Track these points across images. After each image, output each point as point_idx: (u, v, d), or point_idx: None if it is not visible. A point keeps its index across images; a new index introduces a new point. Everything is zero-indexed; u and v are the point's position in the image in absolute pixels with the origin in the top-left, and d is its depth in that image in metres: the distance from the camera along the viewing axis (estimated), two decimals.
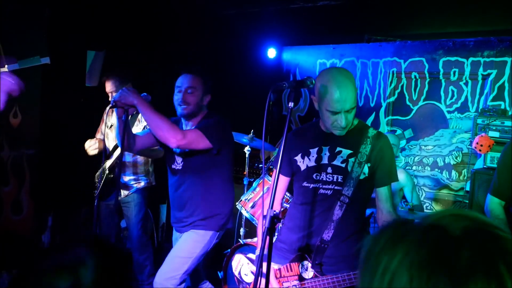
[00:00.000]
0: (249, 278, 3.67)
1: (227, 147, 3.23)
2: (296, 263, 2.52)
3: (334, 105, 2.38)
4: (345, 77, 2.41)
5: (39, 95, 4.62)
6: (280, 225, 3.09)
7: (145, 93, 3.06)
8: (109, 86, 4.17)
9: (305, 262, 2.50)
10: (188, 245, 3.29)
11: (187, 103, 3.17)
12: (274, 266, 2.57)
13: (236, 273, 3.76)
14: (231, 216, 3.43)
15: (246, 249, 3.84)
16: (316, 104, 2.49)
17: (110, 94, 4.18)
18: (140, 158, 4.34)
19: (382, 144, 2.50)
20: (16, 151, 4.62)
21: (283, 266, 2.56)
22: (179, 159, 3.29)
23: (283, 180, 2.67)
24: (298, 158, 2.59)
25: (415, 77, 5.72)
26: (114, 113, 4.30)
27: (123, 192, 4.37)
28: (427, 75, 5.63)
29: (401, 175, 4.46)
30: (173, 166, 3.32)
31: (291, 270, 2.54)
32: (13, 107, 4.57)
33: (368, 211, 4.13)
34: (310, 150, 2.56)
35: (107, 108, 2.92)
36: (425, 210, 5.21)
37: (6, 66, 4.01)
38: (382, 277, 0.80)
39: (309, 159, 2.54)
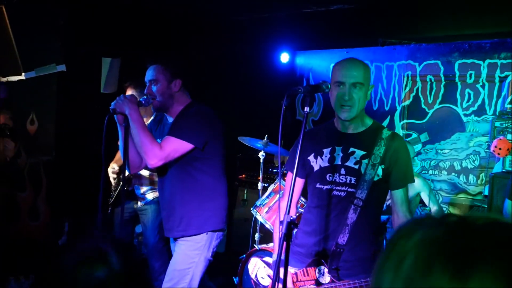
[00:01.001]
0: (265, 281, 3.68)
1: (213, 138, 3.07)
2: (313, 267, 2.54)
3: (340, 73, 2.45)
4: (357, 59, 2.52)
5: (55, 102, 4.71)
6: (295, 229, 3.11)
7: (145, 97, 3.05)
8: (130, 93, 4.25)
9: (322, 267, 2.51)
10: (183, 255, 3.13)
11: (153, 96, 3.06)
12: (290, 270, 2.57)
13: (252, 276, 3.78)
14: (226, 212, 3.22)
15: (262, 253, 3.87)
16: (330, 94, 2.51)
17: None
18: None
19: (396, 145, 2.49)
20: (33, 158, 4.71)
21: (300, 270, 2.58)
22: None
23: (298, 182, 2.66)
24: (311, 158, 2.60)
25: (430, 80, 5.71)
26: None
27: (140, 202, 4.42)
28: (442, 78, 5.63)
29: (417, 181, 4.45)
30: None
31: (308, 275, 2.55)
32: (30, 114, 4.67)
33: (383, 217, 4.16)
34: (323, 150, 2.57)
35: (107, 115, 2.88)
36: None
37: (23, 74, 4.10)
38: (393, 259, 0.79)
39: (322, 159, 2.55)
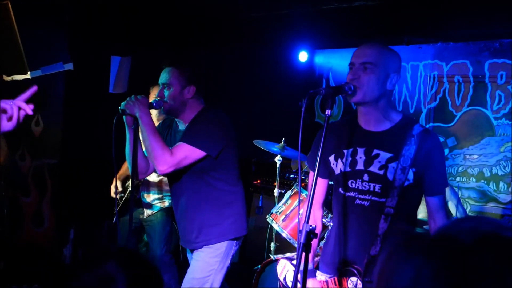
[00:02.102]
0: None
1: (227, 146, 3.06)
2: (345, 278, 2.46)
3: (353, 54, 2.36)
4: (378, 43, 2.40)
5: (62, 103, 4.70)
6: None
7: (157, 100, 3.03)
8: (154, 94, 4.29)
9: (354, 279, 2.43)
10: (203, 263, 3.13)
11: (164, 100, 3.05)
12: (321, 276, 2.53)
13: (281, 278, 3.73)
14: (245, 218, 3.24)
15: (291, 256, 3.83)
16: None
17: None
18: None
19: (430, 145, 2.32)
20: (37, 161, 4.71)
21: (331, 279, 2.51)
22: None
23: (322, 183, 2.59)
24: (332, 159, 2.50)
25: (458, 81, 5.64)
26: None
27: (146, 212, 4.37)
28: (471, 78, 5.55)
29: None
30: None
31: (340, 285, 2.48)
32: (35, 115, 4.67)
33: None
34: (344, 151, 2.44)
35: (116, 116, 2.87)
36: None
37: (29, 72, 4.09)
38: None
39: (343, 163, 2.43)
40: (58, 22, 4.39)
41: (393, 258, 0.86)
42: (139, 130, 2.97)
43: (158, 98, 3.06)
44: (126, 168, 4.48)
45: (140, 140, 3.06)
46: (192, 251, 3.23)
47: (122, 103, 2.92)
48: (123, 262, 1.12)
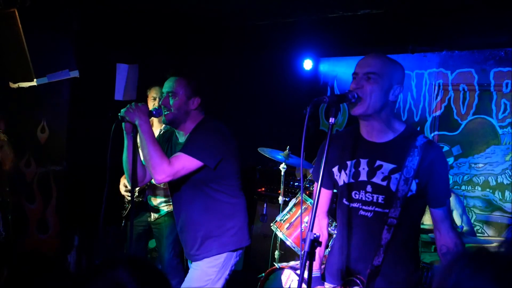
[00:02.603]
0: None
1: (226, 157, 3.04)
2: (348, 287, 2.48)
3: (356, 64, 2.37)
4: (381, 54, 2.42)
5: (67, 110, 4.73)
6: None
7: (157, 108, 3.04)
8: (152, 96, 4.38)
9: None
10: (200, 272, 3.10)
11: (168, 109, 3.05)
12: (326, 285, 2.55)
13: None
14: (246, 229, 3.21)
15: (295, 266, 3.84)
16: None
17: (156, 100, 4.31)
18: None
19: (433, 157, 2.32)
20: (43, 168, 4.73)
21: None
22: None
23: (326, 194, 2.61)
24: (335, 170, 2.51)
25: (463, 89, 5.65)
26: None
27: (153, 215, 4.39)
28: (476, 87, 5.56)
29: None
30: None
31: None
32: (40, 121, 4.70)
33: None
34: (347, 162, 2.45)
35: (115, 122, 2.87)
36: (477, 235, 5.10)
37: (35, 79, 4.13)
38: None
39: (346, 174, 2.45)
40: (65, 30, 4.42)
41: (454, 272, 0.81)
42: (138, 137, 2.97)
43: (159, 107, 3.06)
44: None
45: (138, 148, 3.06)
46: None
47: (122, 110, 2.92)
48: (133, 269, 1.13)
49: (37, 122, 4.72)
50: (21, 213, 4.71)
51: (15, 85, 4.32)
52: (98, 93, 4.90)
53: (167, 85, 3.10)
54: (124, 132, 2.98)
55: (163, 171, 2.87)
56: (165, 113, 3.05)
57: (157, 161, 2.87)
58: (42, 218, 4.79)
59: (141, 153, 2.96)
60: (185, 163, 2.93)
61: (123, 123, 2.95)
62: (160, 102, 3.10)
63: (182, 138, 3.16)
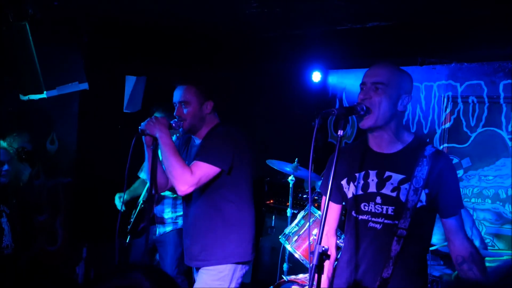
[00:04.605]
0: None
1: (240, 162, 3.07)
2: None
3: (364, 76, 2.38)
4: (389, 63, 2.42)
5: (77, 122, 4.77)
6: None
7: (175, 120, 3.06)
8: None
9: None
10: (204, 285, 3.08)
11: (183, 118, 3.08)
12: None
13: None
14: (252, 243, 3.18)
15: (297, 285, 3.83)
16: None
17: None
18: None
19: (442, 166, 2.32)
20: (52, 180, 4.77)
21: None
22: None
23: (335, 208, 2.59)
24: (344, 183, 2.51)
25: (472, 101, 5.63)
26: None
27: (159, 231, 4.40)
28: (486, 99, 5.54)
29: None
30: None
31: None
32: (50, 133, 4.74)
33: None
34: (356, 174, 2.45)
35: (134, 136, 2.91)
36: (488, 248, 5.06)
37: (44, 92, 4.18)
38: None
39: (355, 186, 2.44)
40: (75, 43, 4.48)
41: None
42: (158, 149, 3.01)
43: (176, 118, 3.09)
44: (136, 187, 4.52)
45: (159, 159, 3.09)
46: (197, 269, 3.21)
47: (142, 123, 2.96)
48: (149, 273, 1.15)
49: (46, 134, 4.76)
50: (30, 225, 4.74)
51: (25, 97, 4.38)
52: (107, 105, 4.95)
53: (177, 95, 3.12)
54: (144, 145, 3.02)
55: (186, 181, 2.90)
56: (182, 123, 3.08)
57: (179, 172, 2.90)
58: (51, 230, 4.81)
59: (164, 165, 2.98)
60: (206, 171, 2.95)
61: (142, 136, 2.99)
62: (174, 113, 3.12)
63: (198, 140, 3.20)
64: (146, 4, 4.18)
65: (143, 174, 4.60)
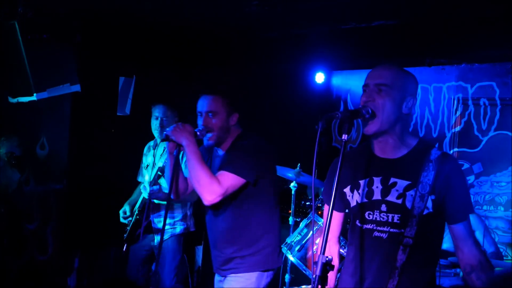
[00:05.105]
0: None
1: (266, 173, 3.15)
2: None
3: (367, 77, 2.35)
4: (393, 64, 2.39)
5: (68, 126, 4.74)
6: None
7: (200, 129, 3.08)
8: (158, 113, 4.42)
9: None
10: None
11: (210, 129, 3.13)
12: None
13: None
14: (278, 250, 3.30)
15: None
16: None
17: (159, 120, 4.39)
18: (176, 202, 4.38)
19: (449, 170, 2.29)
20: (42, 186, 4.73)
21: None
22: None
23: (337, 216, 2.60)
24: (347, 191, 2.48)
25: (484, 103, 5.62)
26: (151, 151, 4.43)
27: (157, 238, 4.40)
28: (498, 101, 5.53)
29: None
30: None
31: None
32: (40, 138, 4.70)
33: None
34: (360, 181, 2.43)
35: (159, 141, 2.97)
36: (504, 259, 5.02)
37: (34, 94, 4.14)
38: None
39: (359, 194, 2.42)
40: (67, 43, 4.45)
41: None
42: (176, 157, 3.07)
43: (202, 127, 3.11)
44: (137, 193, 4.53)
45: (180, 166, 3.16)
46: (222, 276, 3.29)
47: (167, 129, 3.01)
48: None
49: (36, 138, 4.73)
50: (19, 233, 4.70)
51: (14, 100, 4.34)
52: (100, 108, 4.92)
53: (205, 104, 3.16)
54: (167, 151, 3.08)
55: (213, 191, 2.95)
56: (209, 134, 3.13)
57: (207, 182, 2.95)
58: (41, 239, 4.78)
59: (190, 174, 3.02)
60: (232, 181, 3.00)
61: (166, 142, 3.05)
62: (200, 122, 3.15)
63: (221, 150, 3.26)
64: (142, 2, 4.16)
65: (141, 178, 4.67)
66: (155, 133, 4.45)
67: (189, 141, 2.95)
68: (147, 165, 4.54)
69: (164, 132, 3.02)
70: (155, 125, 4.40)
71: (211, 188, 2.93)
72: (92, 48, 4.65)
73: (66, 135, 4.75)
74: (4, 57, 4.21)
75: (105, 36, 4.73)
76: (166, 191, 3.13)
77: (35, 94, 4.17)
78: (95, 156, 4.85)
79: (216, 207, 3.18)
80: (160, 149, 4.48)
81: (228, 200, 3.11)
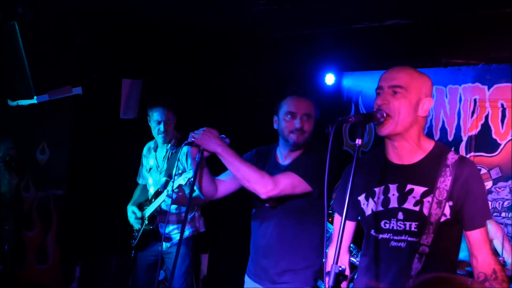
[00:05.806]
0: None
1: (332, 187, 3.18)
2: None
3: (380, 80, 2.35)
4: (407, 66, 2.39)
5: (69, 130, 4.76)
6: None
7: (223, 135, 3.05)
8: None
9: None
10: None
11: (304, 131, 3.17)
12: None
13: None
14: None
15: None
16: None
17: (162, 124, 4.38)
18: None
19: (467, 175, 2.28)
20: (42, 192, 4.75)
21: None
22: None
23: (350, 225, 2.58)
24: (362, 199, 2.47)
25: (502, 106, 5.58)
26: (152, 153, 4.43)
27: (165, 244, 4.44)
28: None
29: (488, 226, 4.28)
30: (264, 203, 3.24)
31: None
32: (40, 142, 4.73)
33: None
34: (375, 189, 2.42)
35: (183, 144, 2.95)
36: None
37: (35, 97, 4.16)
38: None
39: (374, 202, 2.40)
40: (68, 44, 4.47)
41: None
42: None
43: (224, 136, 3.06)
44: (138, 194, 4.55)
45: (206, 170, 3.13)
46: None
47: (193, 135, 2.94)
48: None
49: (36, 143, 4.75)
50: (19, 241, 4.72)
51: (14, 103, 4.37)
52: (102, 111, 4.93)
53: (303, 106, 3.23)
54: (189, 157, 3.13)
55: (266, 183, 2.94)
56: (298, 134, 3.17)
57: (257, 176, 2.95)
58: (41, 247, 4.80)
59: (236, 176, 3.01)
60: (294, 182, 3.01)
61: (187, 147, 3.03)
62: (292, 123, 3.18)
63: (285, 160, 3.26)
64: (146, 2, 4.18)
65: (142, 180, 4.69)
66: (159, 138, 4.43)
67: (223, 147, 2.92)
68: (150, 168, 4.54)
69: (191, 139, 2.92)
70: (158, 130, 4.38)
71: (263, 180, 2.93)
72: (93, 49, 4.68)
73: (67, 139, 4.77)
74: (4, 58, 4.24)
75: (106, 37, 4.75)
76: (194, 195, 3.12)
77: (35, 97, 4.19)
78: (96, 161, 4.87)
79: (271, 216, 3.20)
80: (162, 152, 4.49)
81: (287, 207, 3.14)
